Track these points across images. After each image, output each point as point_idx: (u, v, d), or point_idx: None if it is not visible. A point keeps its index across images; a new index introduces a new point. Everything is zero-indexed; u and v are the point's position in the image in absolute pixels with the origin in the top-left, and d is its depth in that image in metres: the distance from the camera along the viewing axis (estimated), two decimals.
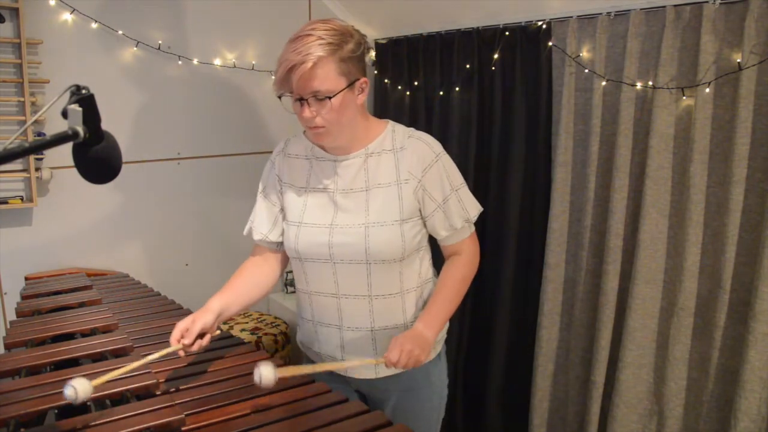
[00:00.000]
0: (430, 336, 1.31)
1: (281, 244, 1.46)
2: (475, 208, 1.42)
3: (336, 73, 1.22)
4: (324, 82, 1.21)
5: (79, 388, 1.00)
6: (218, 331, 1.39)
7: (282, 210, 1.44)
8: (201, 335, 1.25)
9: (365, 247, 1.31)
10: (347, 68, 1.23)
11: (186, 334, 1.22)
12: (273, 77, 1.28)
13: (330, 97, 1.22)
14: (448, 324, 1.47)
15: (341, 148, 1.36)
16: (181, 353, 1.24)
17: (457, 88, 2.52)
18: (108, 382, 1.09)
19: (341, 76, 1.23)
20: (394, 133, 1.37)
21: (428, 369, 1.45)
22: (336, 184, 1.36)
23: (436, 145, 1.38)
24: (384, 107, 2.93)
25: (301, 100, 1.24)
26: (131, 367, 1.18)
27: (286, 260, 1.51)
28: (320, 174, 1.38)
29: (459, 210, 1.38)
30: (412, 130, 1.39)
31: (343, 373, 1.44)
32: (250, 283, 1.44)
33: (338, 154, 1.36)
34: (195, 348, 1.24)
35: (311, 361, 1.53)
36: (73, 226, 2.38)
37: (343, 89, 1.23)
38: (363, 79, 1.29)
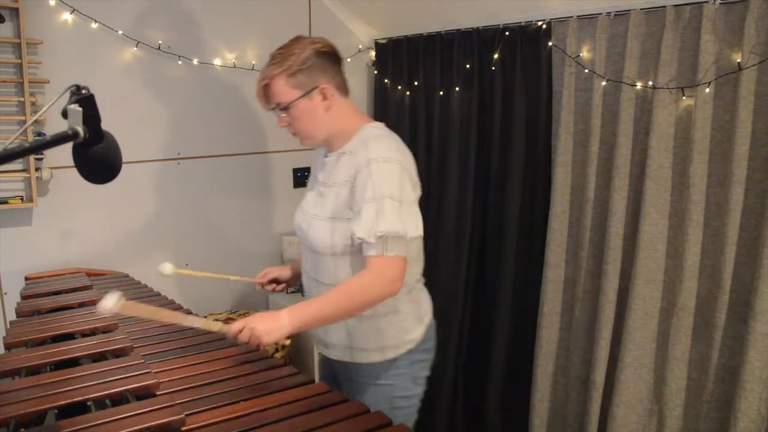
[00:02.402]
0: (287, 323, 1.26)
1: None
2: (389, 225, 1.27)
3: (288, 87, 1.37)
4: (278, 96, 1.39)
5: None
6: (291, 291, 1.78)
7: None
8: (277, 282, 1.71)
9: (307, 236, 1.47)
10: (298, 80, 1.37)
11: (264, 274, 1.70)
12: None
13: (287, 108, 1.39)
14: (419, 334, 1.50)
15: (329, 146, 1.49)
16: (257, 286, 1.72)
17: (457, 88, 2.52)
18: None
19: (294, 88, 1.37)
20: (361, 136, 1.42)
21: (376, 369, 1.49)
22: (322, 177, 1.50)
23: (376, 152, 1.34)
24: (384, 107, 2.93)
25: (274, 111, 1.44)
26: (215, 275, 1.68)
27: None
28: (319, 167, 1.54)
29: (370, 221, 1.29)
30: (377, 135, 1.40)
31: (323, 351, 1.59)
32: None
33: (329, 151, 1.49)
34: (269, 288, 1.71)
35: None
36: (73, 226, 2.37)
37: (297, 99, 1.38)
38: (321, 86, 1.38)
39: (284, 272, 1.71)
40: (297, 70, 1.35)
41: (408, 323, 1.49)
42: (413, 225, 1.33)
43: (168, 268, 1.60)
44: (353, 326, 1.46)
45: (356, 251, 1.37)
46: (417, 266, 1.51)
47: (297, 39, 1.40)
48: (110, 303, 1.05)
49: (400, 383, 1.50)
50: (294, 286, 1.77)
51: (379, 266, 1.29)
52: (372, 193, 1.30)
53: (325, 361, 1.67)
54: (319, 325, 1.39)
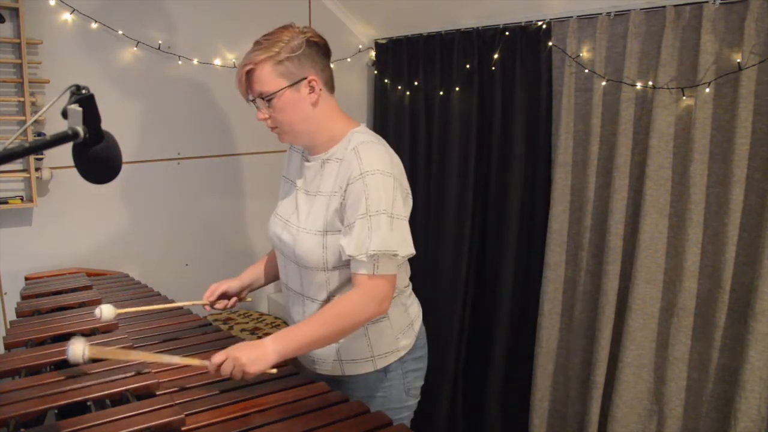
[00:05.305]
0: (271, 352, 1.19)
1: None
2: (382, 244, 1.21)
3: (274, 75, 1.26)
4: (262, 84, 1.27)
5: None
6: (249, 299, 1.63)
7: None
8: (227, 297, 1.54)
9: (293, 250, 1.36)
10: (286, 69, 1.27)
11: (211, 292, 1.51)
12: None
13: (271, 98, 1.27)
14: (409, 340, 1.44)
15: (309, 148, 1.40)
16: (207, 308, 1.52)
17: (457, 88, 2.53)
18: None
19: (280, 77, 1.27)
20: (349, 142, 1.33)
21: (368, 381, 1.42)
22: (301, 183, 1.42)
23: (369, 164, 1.26)
24: (384, 107, 2.93)
25: (254, 103, 1.32)
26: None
27: None
28: (298, 170, 1.45)
29: (362, 237, 1.22)
30: (366, 141, 1.31)
31: (311, 367, 1.48)
32: (275, 262, 1.55)
33: (310, 155, 1.41)
34: (220, 306, 1.53)
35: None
36: (73, 226, 2.37)
37: (283, 89, 1.27)
38: (310, 78, 1.29)
39: (232, 284, 1.54)
40: (285, 57, 1.26)
41: (397, 329, 1.43)
42: (405, 243, 1.26)
43: (108, 311, 1.37)
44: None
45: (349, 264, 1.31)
46: (404, 271, 1.45)
47: (286, 27, 1.32)
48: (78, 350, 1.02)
49: (393, 395, 1.44)
50: (245, 298, 1.61)
51: (368, 286, 1.24)
52: (365, 208, 1.23)
53: (316, 378, 1.61)
54: (306, 351, 1.30)
